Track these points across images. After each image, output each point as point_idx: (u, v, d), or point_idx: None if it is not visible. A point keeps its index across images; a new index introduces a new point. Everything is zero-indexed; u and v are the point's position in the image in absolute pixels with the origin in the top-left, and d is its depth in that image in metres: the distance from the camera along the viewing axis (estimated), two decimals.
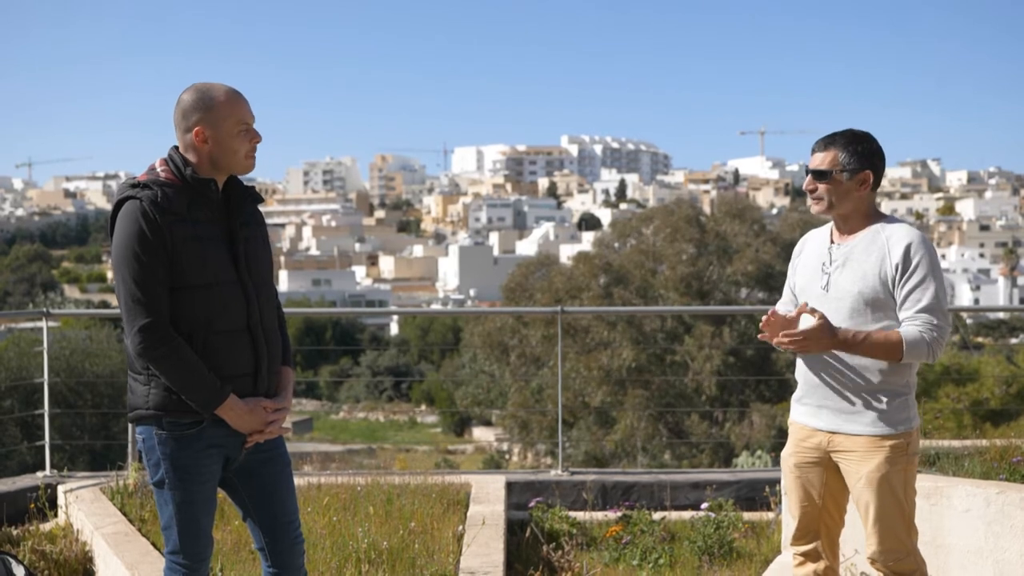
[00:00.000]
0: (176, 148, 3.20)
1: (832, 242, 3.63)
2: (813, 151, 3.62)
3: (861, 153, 3.55)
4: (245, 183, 3.33)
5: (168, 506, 3.17)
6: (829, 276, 3.57)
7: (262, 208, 3.45)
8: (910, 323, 3.43)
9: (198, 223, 3.12)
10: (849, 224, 3.60)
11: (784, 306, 3.82)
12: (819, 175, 3.57)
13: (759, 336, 3.58)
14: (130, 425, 7.06)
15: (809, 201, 3.64)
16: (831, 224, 3.70)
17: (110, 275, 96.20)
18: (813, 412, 3.61)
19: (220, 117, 3.13)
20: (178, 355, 3.04)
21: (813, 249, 3.72)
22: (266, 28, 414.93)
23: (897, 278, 3.45)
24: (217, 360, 3.11)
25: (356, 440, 36.56)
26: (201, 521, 3.21)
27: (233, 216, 3.21)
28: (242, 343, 3.17)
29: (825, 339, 3.43)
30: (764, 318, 3.54)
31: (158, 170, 3.15)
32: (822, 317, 3.43)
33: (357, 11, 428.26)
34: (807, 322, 3.50)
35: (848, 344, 3.43)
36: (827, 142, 3.59)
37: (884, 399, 3.48)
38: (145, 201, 3.04)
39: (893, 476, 3.47)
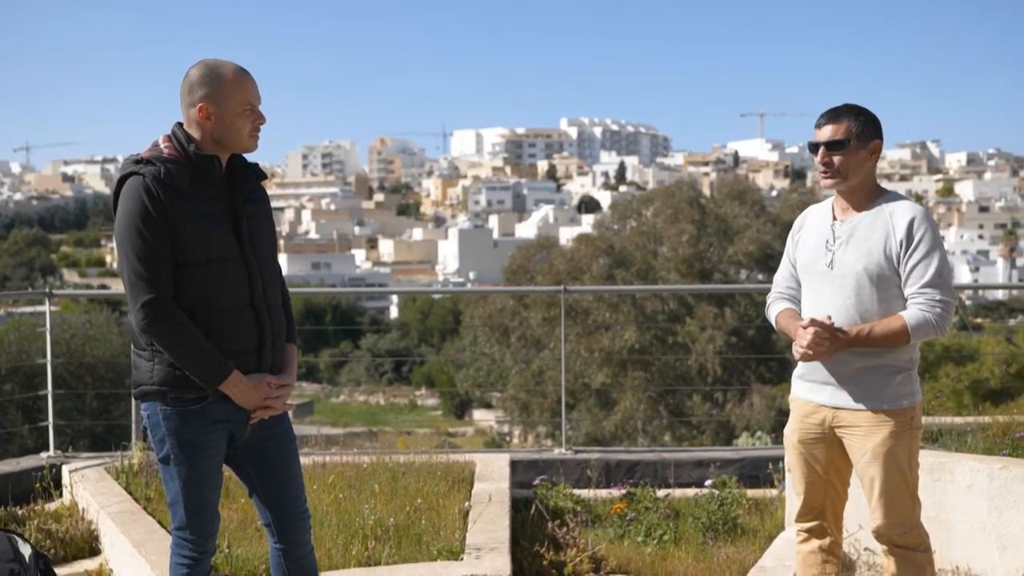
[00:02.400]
0: (180, 124, 3.18)
1: (835, 219, 3.63)
2: (819, 125, 3.59)
3: (869, 122, 3.55)
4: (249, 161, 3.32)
5: (174, 482, 3.18)
6: (833, 253, 3.57)
7: None
8: (913, 300, 3.45)
9: (201, 199, 3.10)
10: (855, 198, 3.59)
11: (784, 280, 3.82)
12: (835, 145, 3.54)
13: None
14: (134, 404, 7.07)
15: (821, 177, 3.60)
16: (831, 200, 3.69)
17: (109, 259, 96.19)
18: (816, 388, 3.61)
19: (225, 95, 3.11)
20: (181, 331, 3.04)
21: (815, 226, 3.70)
22: (264, 11, 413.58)
23: (901, 254, 3.45)
24: (221, 336, 3.11)
25: (356, 423, 36.58)
26: (207, 496, 3.22)
27: (236, 193, 3.20)
28: (246, 320, 3.17)
29: (830, 347, 3.46)
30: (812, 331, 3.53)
31: (161, 146, 3.14)
32: (822, 328, 3.45)
33: None
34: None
35: (853, 343, 3.45)
36: (835, 113, 3.57)
37: (888, 374, 3.49)
38: (148, 177, 3.03)
39: (898, 450, 3.48)
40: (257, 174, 3.28)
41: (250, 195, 3.25)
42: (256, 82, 3.20)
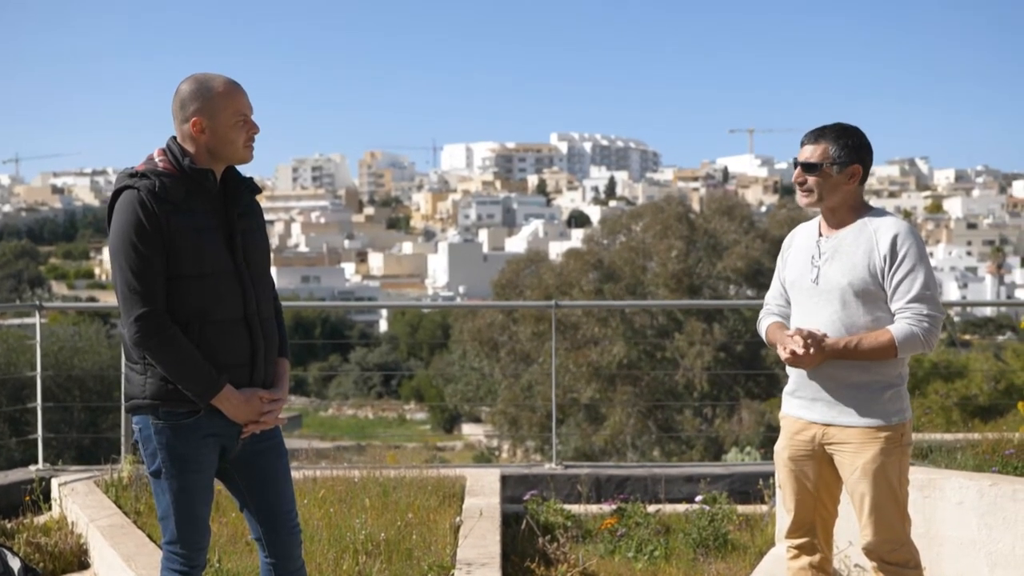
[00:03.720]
0: (174, 138, 3.19)
1: (820, 235, 3.66)
2: (802, 144, 3.63)
3: (851, 147, 3.56)
4: (243, 174, 3.33)
5: (165, 495, 3.17)
6: (819, 269, 3.60)
7: None
8: (900, 315, 3.47)
9: (196, 213, 3.11)
10: (837, 217, 3.62)
11: (774, 299, 3.85)
12: (809, 168, 3.58)
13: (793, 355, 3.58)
14: (123, 417, 7.05)
15: (798, 194, 3.66)
16: (819, 218, 3.72)
17: (98, 271, 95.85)
18: (807, 405, 3.63)
19: (218, 108, 3.12)
20: (174, 345, 3.04)
21: (802, 243, 3.74)
22: (255, 25, 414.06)
23: (886, 269, 3.48)
24: (213, 350, 3.11)
25: (345, 437, 36.44)
26: (198, 511, 3.21)
27: (231, 206, 3.21)
28: (239, 333, 3.17)
29: (816, 355, 3.48)
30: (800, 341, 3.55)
31: (156, 160, 3.14)
32: (808, 336, 3.47)
33: (347, 8, 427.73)
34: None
35: (840, 354, 3.48)
36: (817, 135, 3.60)
37: (878, 391, 3.51)
38: (143, 191, 3.04)
39: (888, 467, 3.50)
40: (251, 188, 3.29)
41: (244, 209, 3.26)
42: (246, 92, 3.20)
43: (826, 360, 3.51)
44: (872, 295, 3.51)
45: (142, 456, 3.23)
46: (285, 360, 3.39)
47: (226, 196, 3.22)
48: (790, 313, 3.77)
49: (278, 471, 3.34)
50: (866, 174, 3.62)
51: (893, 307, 3.49)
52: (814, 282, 3.59)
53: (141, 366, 3.12)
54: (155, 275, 3.04)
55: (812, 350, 3.47)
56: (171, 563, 3.24)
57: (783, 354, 3.55)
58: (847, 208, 3.61)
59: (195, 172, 3.12)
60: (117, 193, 3.10)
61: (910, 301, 3.46)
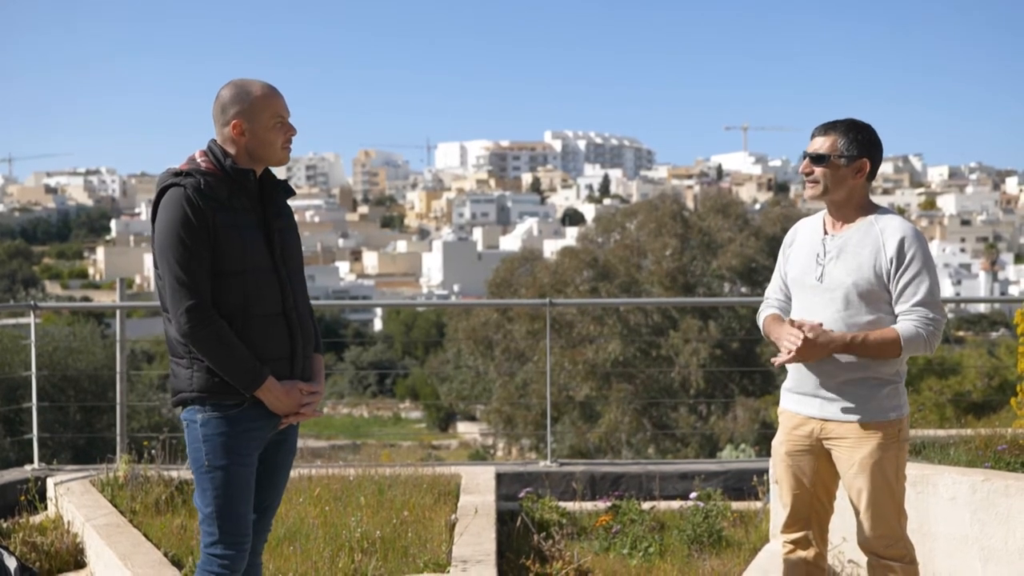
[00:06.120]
0: (215, 140, 3.29)
1: (826, 232, 3.67)
2: (812, 136, 3.64)
3: (860, 141, 3.57)
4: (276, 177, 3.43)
5: (208, 492, 3.19)
6: (823, 267, 3.60)
7: None
8: (905, 317, 3.48)
9: (237, 211, 3.21)
10: (843, 212, 3.63)
11: (774, 293, 3.86)
12: (817, 159, 3.59)
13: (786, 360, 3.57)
14: (119, 417, 7.06)
15: (805, 186, 3.66)
16: (823, 213, 3.73)
17: (92, 271, 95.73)
18: (805, 400, 3.64)
19: (257, 111, 3.23)
20: (221, 336, 3.12)
21: (806, 239, 3.74)
22: (248, 25, 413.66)
23: (892, 272, 3.49)
24: (255, 344, 3.19)
25: (340, 436, 36.44)
26: (241, 507, 3.23)
27: (267, 206, 3.31)
28: (278, 328, 3.25)
29: (820, 349, 3.47)
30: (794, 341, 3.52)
31: (198, 160, 3.24)
32: (811, 329, 3.46)
33: (341, 7, 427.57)
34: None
35: (846, 348, 3.47)
36: (827, 127, 3.62)
37: (875, 387, 3.53)
38: (189, 188, 3.14)
39: (885, 463, 3.52)
40: (286, 190, 3.40)
41: (279, 210, 3.36)
42: (283, 96, 3.32)
43: (830, 354, 3.50)
44: (876, 295, 3.52)
45: (188, 459, 3.26)
46: (320, 356, 3.46)
47: (263, 197, 3.31)
48: (790, 308, 3.78)
49: (282, 467, 3.41)
50: (874, 171, 3.62)
51: (897, 309, 3.50)
52: (818, 280, 3.60)
53: (187, 360, 3.18)
54: (202, 268, 3.12)
55: (809, 335, 3.44)
56: (209, 565, 3.22)
57: (783, 357, 3.54)
58: (853, 205, 3.61)
59: (237, 172, 3.22)
60: (162, 192, 3.19)
61: (915, 304, 3.47)
